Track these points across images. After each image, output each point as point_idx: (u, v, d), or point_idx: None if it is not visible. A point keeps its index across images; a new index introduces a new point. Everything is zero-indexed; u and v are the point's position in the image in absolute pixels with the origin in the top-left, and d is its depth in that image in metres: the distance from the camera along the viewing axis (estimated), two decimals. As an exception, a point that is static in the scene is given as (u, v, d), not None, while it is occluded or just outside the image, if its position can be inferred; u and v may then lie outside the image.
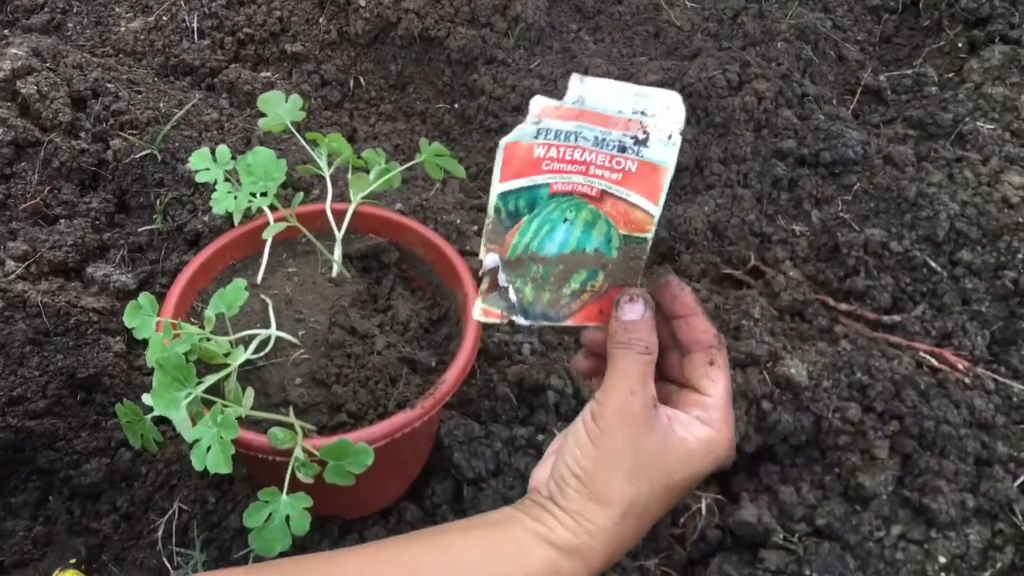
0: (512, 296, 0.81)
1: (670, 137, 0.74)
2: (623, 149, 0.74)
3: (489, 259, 0.79)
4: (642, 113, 0.73)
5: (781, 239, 1.69)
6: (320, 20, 2.09)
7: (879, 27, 2.16)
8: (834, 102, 1.96)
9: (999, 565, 1.19)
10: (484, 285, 0.81)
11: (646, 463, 0.76)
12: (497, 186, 0.76)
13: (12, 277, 1.47)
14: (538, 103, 0.72)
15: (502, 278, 0.80)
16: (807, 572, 1.19)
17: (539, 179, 0.76)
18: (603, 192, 0.77)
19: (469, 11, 2.02)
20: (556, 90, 1.94)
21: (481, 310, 0.82)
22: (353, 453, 0.91)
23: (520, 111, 1.93)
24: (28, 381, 1.31)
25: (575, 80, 0.72)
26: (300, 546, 1.19)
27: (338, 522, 1.21)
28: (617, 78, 1.81)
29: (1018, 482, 1.26)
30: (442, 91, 2.02)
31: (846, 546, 1.22)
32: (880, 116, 1.92)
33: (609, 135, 0.73)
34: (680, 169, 1.78)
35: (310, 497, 0.92)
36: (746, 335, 1.40)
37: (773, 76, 1.84)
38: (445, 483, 1.22)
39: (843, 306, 1.58)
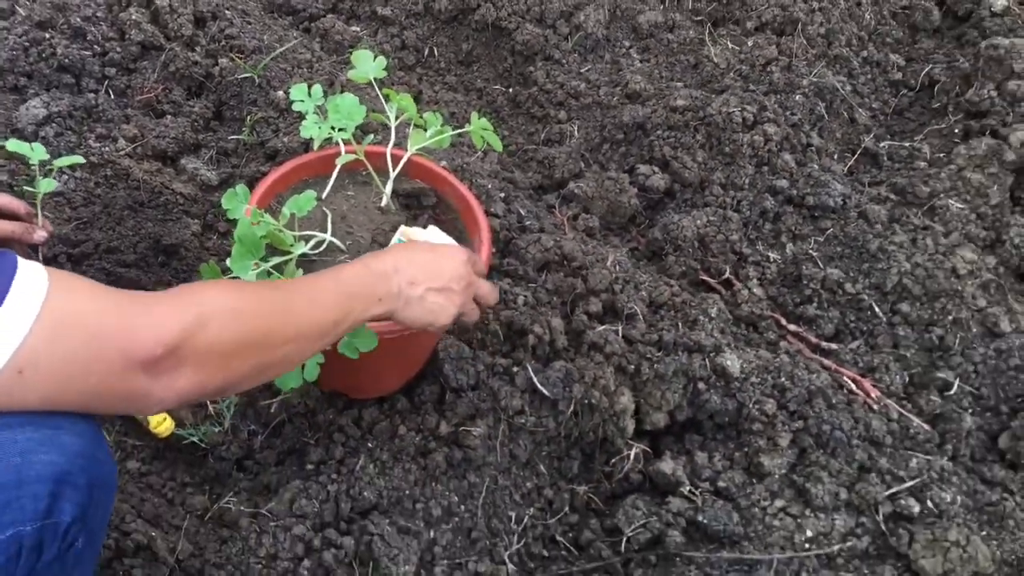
0: None
1: None
2: None
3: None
4: None
5: (755, 261, 1.98)
6: (411, -9, 2.39)
7: (895, 100, 2.43)
8: (834, 156, 2.23)
9: (854, 548, 1.48)
10: None
11: None
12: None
13: (121, 153, 1.79)
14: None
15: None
16: (699, 518, 1.49)
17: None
18: None
19: (539, 12, 2.31)
20: (598, 96, 2.24)
21: None
22: (363, 335, 1.21)
23: (563, 106, 2.23)
24: (123, 238, 1.63)
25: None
26: (311, 410, 1.51)
27: (344, 399, 1.52)
28: (652, 96, 2.11)
29: (889, 491, 1.55)
30: (501, 75, 2.32)
31: (737, 507, 1.52)
32: (871, 177, 2.19)
33: None
34: (685, 184, 2.06)
35: (324, 376, 1.21)
36: (699, 328, 1.70)
37: (784, 123, 2.12)
38: (433, 387, 1.53)
39: (792, 327, 1.87)
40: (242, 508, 1.35)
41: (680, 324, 1.70)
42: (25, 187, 1.38)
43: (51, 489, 0.85)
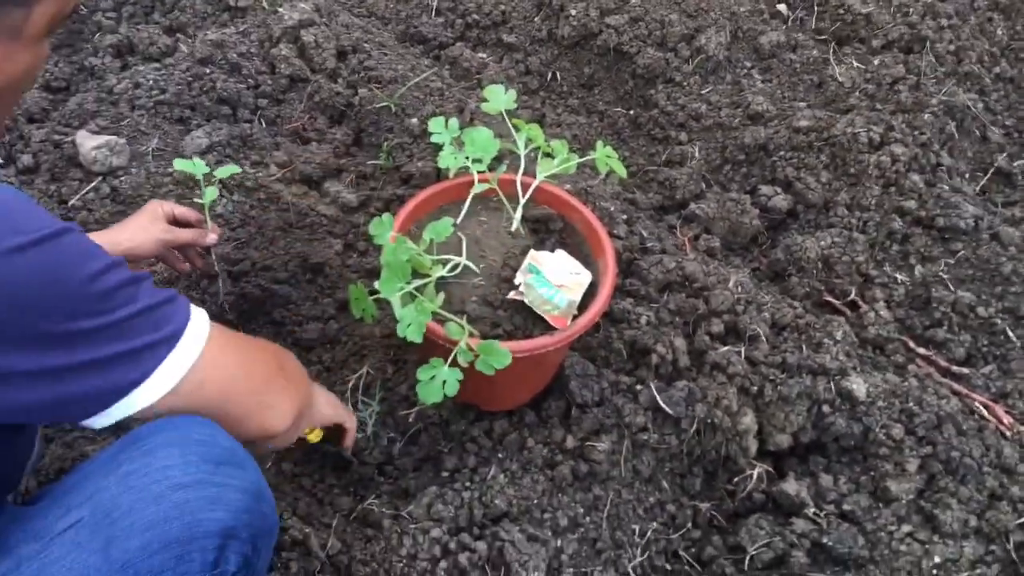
0: None
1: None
2: None
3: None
4: None
5: (883, 283, 1.96)
6: (535, 19, 2.48)
7: (1031, 116, 2.36)
8: (966, 176, 2.19)
9: (983, 576, 1.46)
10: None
11: None
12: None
13: (272, 178, 1.94)
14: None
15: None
16: (824, 540, 1.50)
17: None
18: None
19: (660, 36, 2.36)
20: (719, 117, 2.27)
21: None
22: (497, 353, 1.29)
23: (684, 128, 2.27)
24: (275, 257, 1.77)
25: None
26: (445, 421, 1.61)
27: (475, 411, 1.61)
28: (774, 117, 2.13)
29: (1020, 519, 1.52)
30: (622, 97, 2.38)
31: (862, 531, 1.52)
32: (1004, 197, 2.14)
33: None
34: (808, 205, 2.07)
35: (460, 386, 1.30)
36: (824, 351, 1.70)
37: (912, 143, 2.10)
38: (559, 402, 1.60)
39: (921, 350, 1.85)
40: (384, 510, 1.45)
41: (804, 346, 1.72)
42: (194, 199, 1.54)
43: (218, 543, 0.95)
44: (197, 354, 0.96)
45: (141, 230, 1.46)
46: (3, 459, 0.98)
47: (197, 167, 1.51)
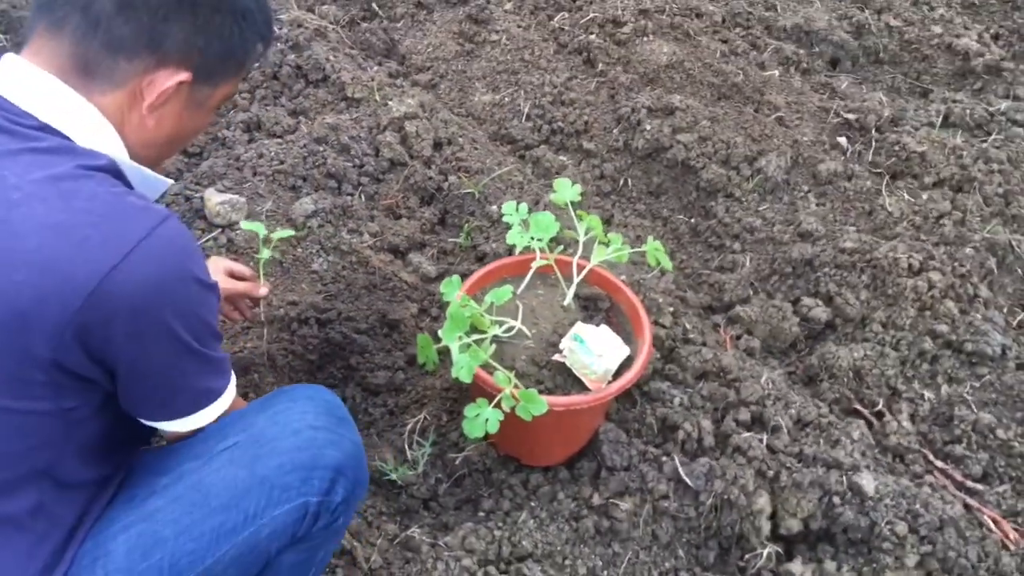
0: None
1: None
2: None
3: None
4: None
5: (909, 398, 2.10)
6: (614, 131, 2.76)
7: (1076, 260, 2.48)
8: (1004, 310, 2.32)
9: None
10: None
11: None
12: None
13: (364, 245, 2.22)
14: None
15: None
16: (822, 621, 1.62)
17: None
18: None
19: (725, 155, 2.60)
20: (772, 232, 2.47)
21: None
22: (536, 401, 1.50)
23: (738, 239, 2.48)
24: (359, 311, 2.03)
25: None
26: (488, 469, 1.80)
27: (515, 464, 1.80)
28: (823, 236, 2.32)
29: (1015, 626, 1.61)
30: (685, 206, 2.61)
31: (859, 618, 1.63)
32: (1037, 332, 2.26)
33: None
34: (846, 319, 2.23)
35: (502, 440, 1.50)
36: (840, 447, 1.85)
37: (950, 273, 2.26)
38: (591, 463, 1.78)
39: (939, 463, 1.97)
40: (424, 538, 1.64)
41: (822, 441, 1.86)
42: (295, 255, 1.82)
43: (332, 476, 1.22)
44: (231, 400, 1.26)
45: None
46: None
47: (258, 228, 1.78)
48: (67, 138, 1.12)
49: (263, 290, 1.78)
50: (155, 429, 1.24)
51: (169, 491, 1.20)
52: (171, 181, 1.33)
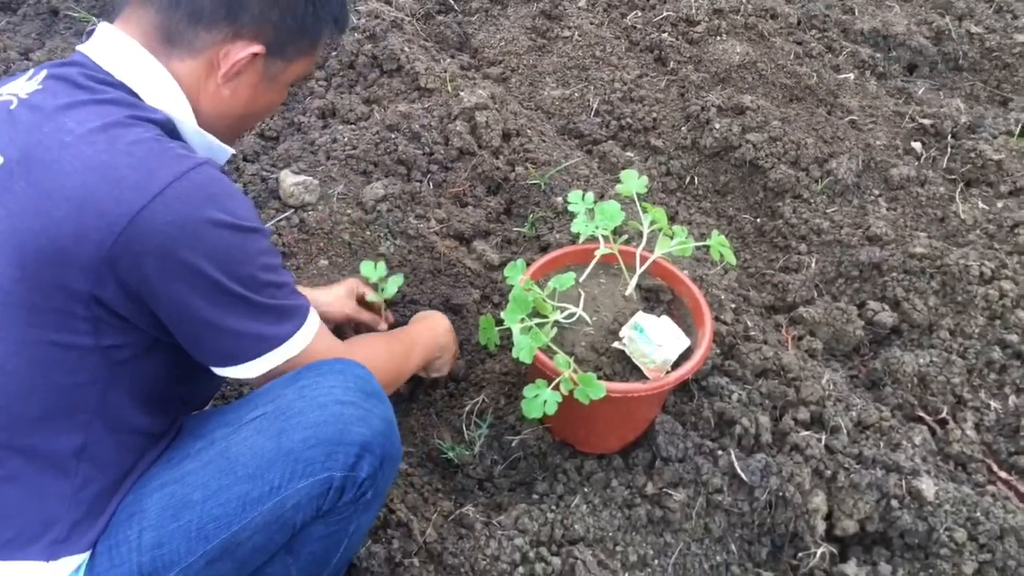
0: None
1: None
2: None
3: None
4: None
5: (975, 407, 2.06)
6: (682, 128, 2.76)
7: None
8: (1079, 322, 2.26)
9: None
10: None
11: None
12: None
13: (431, 231, 2.26)
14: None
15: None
16: (874, 623, 1.60)
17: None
18: None
19: (795, 155, 2.58)
20: (839, 235, 2.44)
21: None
22: (594, 386, 1.51)
23: (805, 240, 2.46)
24: (423, 294, 2.07)
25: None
26: (543, 453, 1.82)
27: (570, 450, 1.82)
28: (892, 241, 2.28)
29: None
30: (751, 206, 2.60)
31: (913, 622, 1.61)
32: (1114, 347, 2.19)
33: None
34: (913, 325, 2.20)
35: (558, 425, 1.52)
36: (900, 451, 1.82)
37: (1023, 283, 2.21)
38: (646, 453, 1.79)
39: (1003, 474, 1.93)
40: (478, 516, 1.67)
41: (882, 444, 1.84)
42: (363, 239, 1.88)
43: (357, 452, 1.23)
44: (300, 348, 1.27)
45: (337, 300, 1.81)
46: (209, 373, 1.29)
47: (376, 272, 1.84)
48: (134, 94, 1.20)
49: (383, 325, 1.88)
50: (213, 389, 1.28)
51: (201, 455, 1.23)
52: (232, 150, 1.38)
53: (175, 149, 1.14)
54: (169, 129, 1.21)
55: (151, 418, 1.26)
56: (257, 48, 1.25)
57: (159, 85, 1.22)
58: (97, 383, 1.16)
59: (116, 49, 1.22)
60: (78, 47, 1.26)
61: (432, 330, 1.79)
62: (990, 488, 1.87)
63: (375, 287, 1.86)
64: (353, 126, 2.57)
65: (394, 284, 1.87)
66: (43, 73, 1.20)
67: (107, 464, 1.20)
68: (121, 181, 1.08)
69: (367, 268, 1.85)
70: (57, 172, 1.08)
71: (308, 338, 1.27)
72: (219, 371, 1.25)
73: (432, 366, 1.81)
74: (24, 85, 1.20)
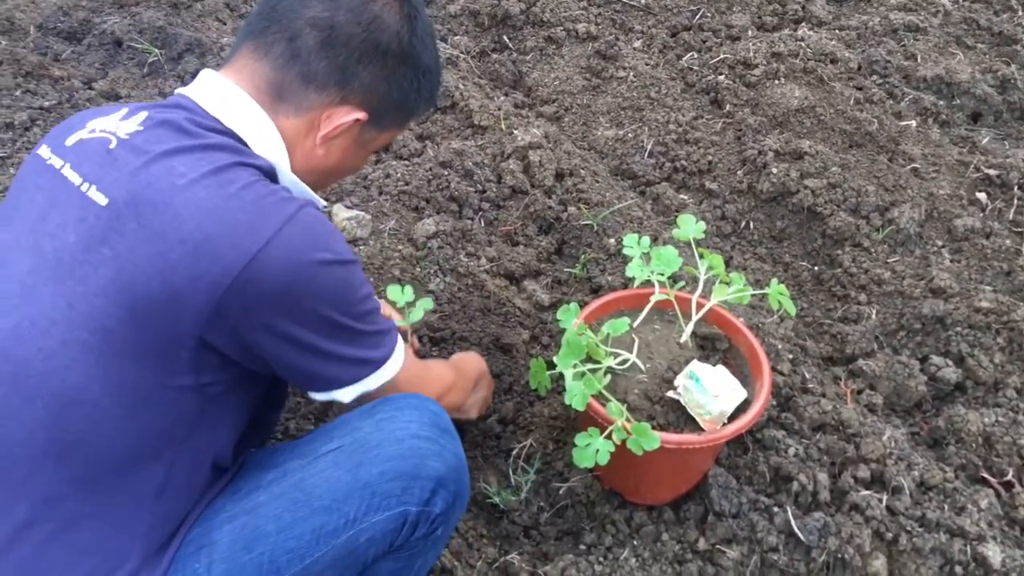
0: None
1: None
2: None
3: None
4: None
5: (1044, 470, 1.96)
6: (738, 172, 2.72)
7: None
8: None
9: None
10: None
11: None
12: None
13: (481, 269, 2.24)
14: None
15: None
16: None
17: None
18: None
19: (855, 203, 2.52)
20: (901, 286, 2.37)
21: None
22: (648, 436, 1.46)
23: (864, 290, 2.39)
24: (472, 332, 2.05)
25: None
26: (591, 503, 1.77)
27: (619, 500, 1.77)
28: (956, 294, 2.21)
29: None
30: (809, 253, 2.54)
31: None
32: None
33: None
34: (978, 382, 2.11)
35: (608, 474, 1.48)
36: (965, 515, 1.74)
37: (1096, 342, 2.11)
38: (698, 507, 1.73)
39: (1076, 543, 1.83)
40: (524, 566, 1.63)
41: (946, 507, 1.76)
42: (415, 272, 1.85)
43: (433, 487, 1.23)
44: (397, 368, 1.31)
45: None
46: (274, 408, 1.31)
47: (404, 296, 1.79)
48: (242, 142, 1.22)
49: (410, 350, 1.85)
50: (276, 423, 1.27)
51: (273, 487, 1.23)
52: (324, 202, 1.40)
53: (280, 192, 1.17)
54: (271, 175, 1.23)
55: (228, 451, 1.26)
56: (360, 115, 1.29)
57: (265, 138, 1.25)
58: (188, 420, 1.16)
59: (226, 98, 1.24)
60: (179, 90, 1.29)
61: (474, 371, 1.78)
62: (1062, 558, 1.77)
63: (402, 311, 1.82)
64: (406, 162, 2.57)
65: (421, 309, 1.82)
66: (143, 115, 1.21)
67: (181, 499, 1.20)
68: (236, 225, 1.09)
69: (394, 292, 1.81)
70: (172, 216, 1.09)
71: (400, 356, 1.32)
72: (317, 396, 1.27)
73: (462, 407, 1.76)
74: (121, 124, 1.20)
